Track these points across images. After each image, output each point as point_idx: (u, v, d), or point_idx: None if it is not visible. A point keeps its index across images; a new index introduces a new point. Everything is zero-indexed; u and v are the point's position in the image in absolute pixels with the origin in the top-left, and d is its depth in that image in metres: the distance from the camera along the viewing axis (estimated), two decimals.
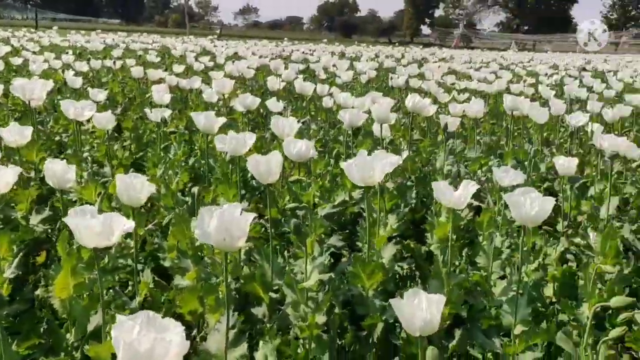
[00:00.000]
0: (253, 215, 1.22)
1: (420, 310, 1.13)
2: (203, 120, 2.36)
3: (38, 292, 1.53)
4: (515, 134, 4.22)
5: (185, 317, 1.73)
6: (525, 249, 1.96)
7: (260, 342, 1.18)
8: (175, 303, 1.66)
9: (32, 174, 2.40)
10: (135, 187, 1.47)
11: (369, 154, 1.76)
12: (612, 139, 2.52)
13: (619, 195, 2.63)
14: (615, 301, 1.22)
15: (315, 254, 1.68)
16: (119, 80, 6.00)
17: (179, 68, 5.97)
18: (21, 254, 1.67)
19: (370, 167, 1.59)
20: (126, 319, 0.76)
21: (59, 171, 1.70)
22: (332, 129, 4.34)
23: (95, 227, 1.16)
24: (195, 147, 3.23)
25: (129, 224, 1.18)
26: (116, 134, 3.62)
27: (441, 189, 1.60)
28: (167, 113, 3.09)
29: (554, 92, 5.00)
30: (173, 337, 0.76)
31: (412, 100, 2.75)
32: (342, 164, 1.64)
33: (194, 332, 1.75)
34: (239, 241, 1.22)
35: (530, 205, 1.47)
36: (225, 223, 1.20)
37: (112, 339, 0.75)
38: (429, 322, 1.14)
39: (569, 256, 2.24)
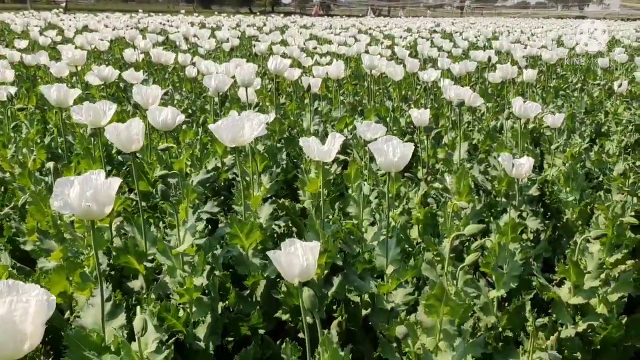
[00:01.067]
0: (118, 179, 1.18)
1: (297, 257, 1.18)
2: (55, 93, 2.19)
3: None
4: (377, 93, 4.42)
5: (56, 300, 1.64)
6: (390, 195, 2.09)
7: (137, 309, 1.15)
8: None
9: None
10: None
11: None
12: (458, 89, 2.75)
13: (469, 141, 2.88)
14: (469, 229, 1.35)
15: (190, 220, 1.66)
16: None
17: (22, 44, 5.45)
18: None
19: (240, 127, 1.59)
20: None
21: None
22: (198, 99, 4.24)
23: None
24: (50, 125, 2.99)
25: None
26: None
27: (309, 144, 1.64)
28: (13, 90, 2.82)
29: (408, 52, 5.29)
30: (31, 298, 0.72)
31: (274, 62, 2.77)
32: (210, 126, 1.62)
33: (67, 314, 1.66)
34: (106, 208, 1.17)
35: (393, 152, 1.57)
36: (88, 189, 1.14)
37: None
38: (305, 268, 1.19)
39: (430, 200, 2.42)
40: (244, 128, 1.62)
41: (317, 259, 1.21)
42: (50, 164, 1.64)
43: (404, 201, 2.09)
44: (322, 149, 1.64)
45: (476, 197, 2.17)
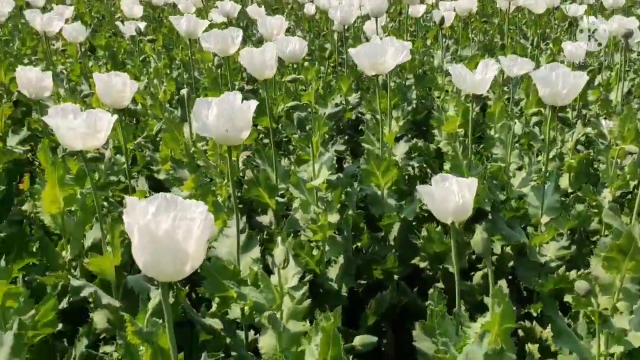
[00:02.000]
0: (255, 102, 1.08)
1: (452, 193, 1.03)
2: (185, 23, 2.14)
3: (25, 207, 1.39)
4: (510, 31, 4.04)
5: None
6: (542, 137, 1.86)
7: (279, 239, 1.07)
8: None
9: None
10: (116, 86, 1.31)
11: None
12: (621, 19, 2.39)
13: (623, 80, 2.51)
14: None
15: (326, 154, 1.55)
16: (84, 1, 5.61)
17: None
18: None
19: (382, 52, 1.43)
20: (138, 201, 0.63)
21: (34, 79, 1.51)
22: (317, 39, 4.12)
23: (79, 127, 1.01)
24: (177, 61, 3.01)
25: (114, 117, 1.04)
26: (89, 54, 3.37)
27: (459, 73, 1.45)
28: (142, 25, 2.85)
29: None
30: (196, 215, 0.63)
31: None
32: (351, 51, 1.47)
33: None
34: (243, 132, 1.08)
35: (562, 82, 1.34)
36: (226, 112, 1.06)
37: (125, 225, 0.62)
38: (461, 206, 1.04)
39: (579, 147, 2.15)
40: (386, 53, 1.46)
41: (474, 197, 1.06)
42: (183, 91, 1.60)
43: (557, 144, 1.84)
44: (474, 78, 1.45)
45: None
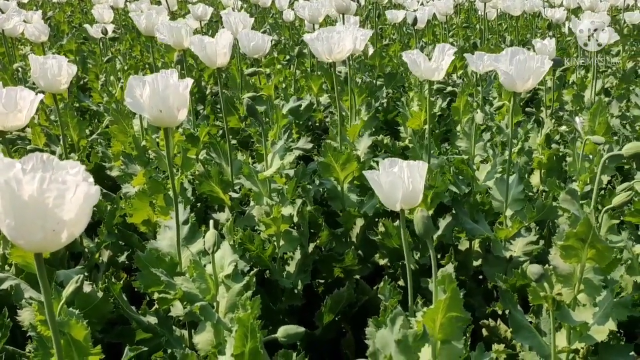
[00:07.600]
0: (190, 80, 1.02)
1: (400, 179, 0.96)
2: (145, 21, 2.08)
3: None
4: (490, 37, 4.02)
5: (140, 228, 1.54)
6: (508, 130, 1.80)
7: (210, 223, 0.99)
8: (122, 211, 1.46)
9: None
10: (52, 68, 1.24)
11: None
12: (591, 15, 2.37)
13: (602, 79, 2.48)
14: (628, 148, 1.05)
15: (279, 142, 1.48)
16: (63, 11, 5.56)
17: None
18: None
19: (339, 38, 1.37)
20: (6, 159, 0.55)
21: None
22: (297, 45, 4.07)
23: None
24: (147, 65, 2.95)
25: (39, 96, 0.96)
26: None
27: (413, 59, 1.40)
28: (110, 27, 2.79)
29: None
30: (69, 177, 0.55)
31: None
32: (305, 37, 1.42)
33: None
34: (179, 113, 1.02)
35: (522, 67, 1.28)
36: (159, 90, 0.99)
37: None
38: (410, 192, 0.97)
39: (553, 145, 2.10)
40: (343, 39, 1.40)
41: (424, 181, 0.99)
42: (131, 78, 1.52)
43: (523, 137, 1.78)
44: (429, 65, 1.39)
45: (615, 138, 1.82)
